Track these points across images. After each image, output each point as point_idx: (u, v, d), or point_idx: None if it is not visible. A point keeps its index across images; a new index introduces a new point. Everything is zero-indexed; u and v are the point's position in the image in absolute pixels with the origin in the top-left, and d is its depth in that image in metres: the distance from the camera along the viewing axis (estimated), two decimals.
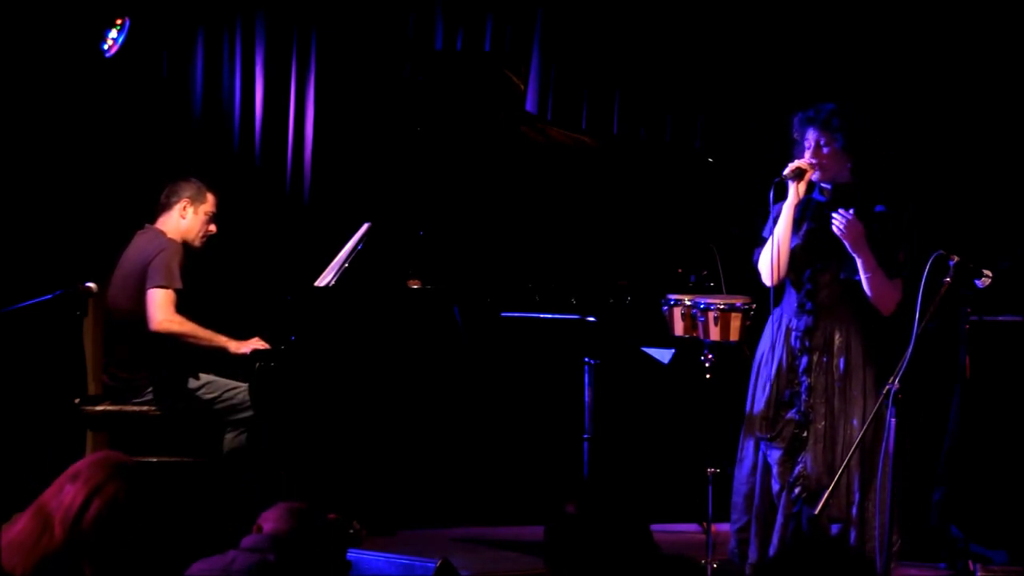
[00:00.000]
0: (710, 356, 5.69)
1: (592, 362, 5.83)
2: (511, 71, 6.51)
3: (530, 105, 7.26)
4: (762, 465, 5.28)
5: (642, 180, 6.65)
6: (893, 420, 4.70)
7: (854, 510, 5.14)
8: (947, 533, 5.99)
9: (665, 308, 5.77)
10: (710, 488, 5.64)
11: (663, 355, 5.65)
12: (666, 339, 5.73)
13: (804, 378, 5.22)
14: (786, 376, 5.25)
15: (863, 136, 5.26)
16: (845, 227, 5.13)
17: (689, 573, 3.29)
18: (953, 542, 5.93)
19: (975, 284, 4.90)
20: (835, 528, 5.16)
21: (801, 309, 5.25)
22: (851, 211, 5.14)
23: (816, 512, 4.90)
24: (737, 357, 5.75)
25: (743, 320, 5.61)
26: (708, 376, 5.70)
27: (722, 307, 5.63)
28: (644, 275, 6.43)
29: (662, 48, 7.51)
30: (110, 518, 3.12)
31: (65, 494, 3.14)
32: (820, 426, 5.17)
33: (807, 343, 5.23)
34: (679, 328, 5.73)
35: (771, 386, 5.26)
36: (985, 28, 7.06)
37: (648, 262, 6.55)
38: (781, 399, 5.25)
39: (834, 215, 5.15)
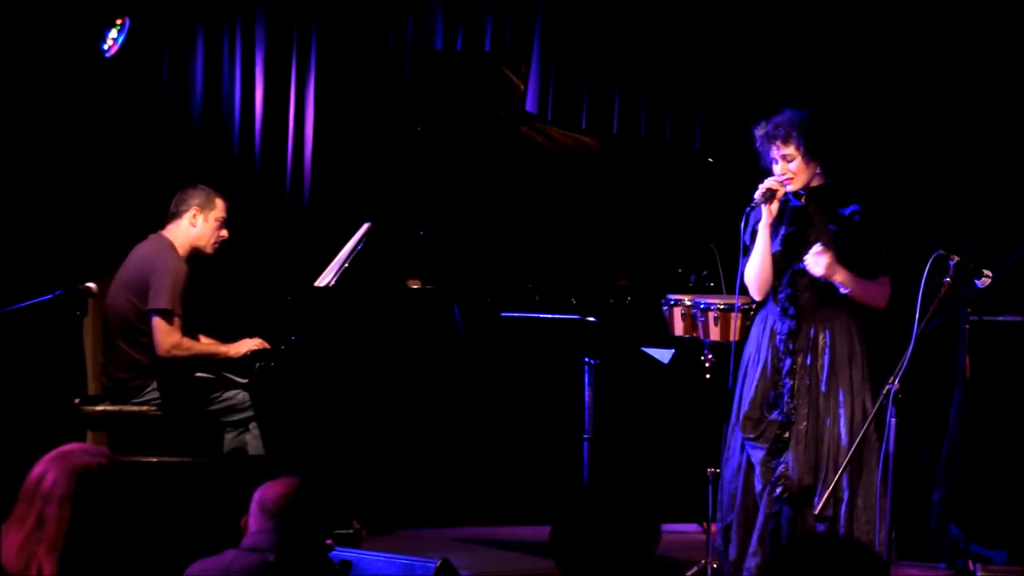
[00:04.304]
0: (710, 356, 5.69)
1: (592, 362, 5.82)
2: (511, 71, 6.51)
3: (530, 104, 7.26)
4: (746, 465, 5.29)
5: (642, 180, 6.65)
6: (893, 420, 4.70)
7: (843, 508, 5.14)
8: (947, 533, 5.98)
9: (665, 308, 5.77)
10: (710, 488, 5.64)
11: (663, 355, 5.65)
12: (666, 339, 5.74)
13: (787, 380, 5.23)
14: (771, 378, 5.26)
15: (827, 138, 5.24)
16: (814, 265, 5.14)
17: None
18: (953, 542, 5.92)
19: (975, 284, 4.90)
20: (820, 527, 5.14)
21: (784, 313, 5.25)
22: (819, 247, 5.14)
23: (816, 511, 4.94)
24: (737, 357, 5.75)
25: (743, 320, 5.61)
26: (708, 376, 5.70)
27: (722, 307, 5.63)
28: (644, 275, 6.43)
29: (662, 48, 7.50)
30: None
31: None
32: (802, 427, 5.18)
33: (791, 346, 5.23)
34: (679, 328, 5.73)
35: (756, 387, 5.27)
36: (985, 26, 7.06)
37: (648, 262, 6.55)
38: (766, 400, 5.26)
39: (804, 260, 5.16)
